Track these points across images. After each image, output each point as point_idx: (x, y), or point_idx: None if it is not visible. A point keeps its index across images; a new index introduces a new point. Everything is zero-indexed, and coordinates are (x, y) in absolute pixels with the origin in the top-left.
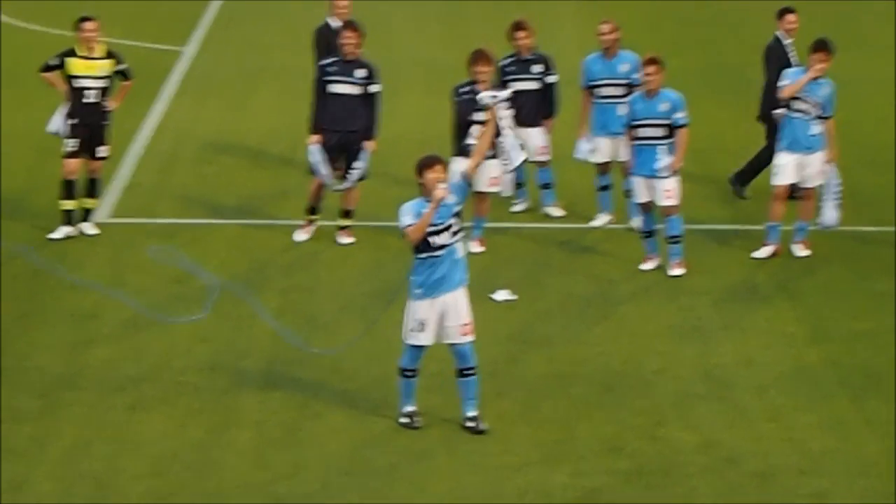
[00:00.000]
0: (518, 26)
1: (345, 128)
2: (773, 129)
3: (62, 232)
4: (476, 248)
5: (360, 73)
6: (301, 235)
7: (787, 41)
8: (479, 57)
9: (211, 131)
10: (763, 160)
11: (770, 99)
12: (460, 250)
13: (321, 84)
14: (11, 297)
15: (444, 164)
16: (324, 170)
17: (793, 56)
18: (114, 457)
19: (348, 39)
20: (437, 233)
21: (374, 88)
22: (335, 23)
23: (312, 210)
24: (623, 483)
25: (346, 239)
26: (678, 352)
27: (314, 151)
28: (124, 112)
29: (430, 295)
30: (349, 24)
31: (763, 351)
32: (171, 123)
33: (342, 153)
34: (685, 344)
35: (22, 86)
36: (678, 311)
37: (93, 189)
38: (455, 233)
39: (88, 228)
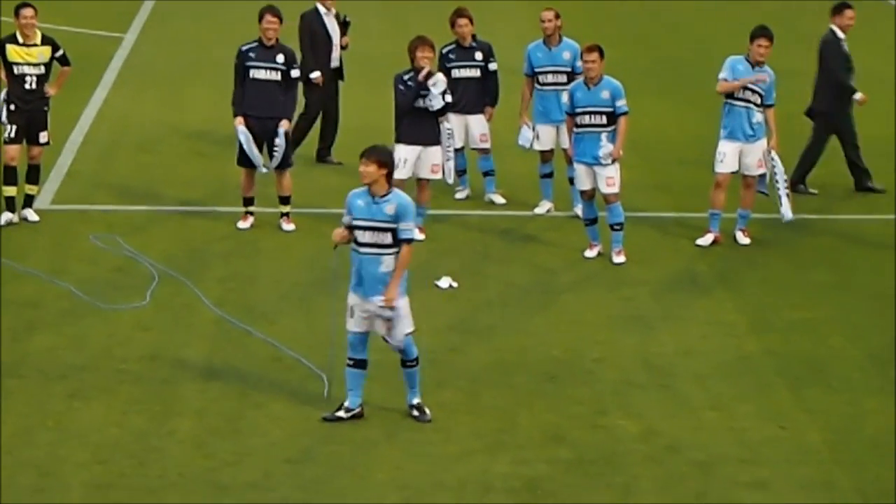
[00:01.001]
0: (459, 13)
1: (266, 114)
2: (824, 125)
3: (4, 218)
4: (418, 235)
5: (280, 58)
6: (243, 224)
7: (842, 36)
8: (420, 42)
9: (150, 120)
10: (815, 154)
11: (825, 94)
12: (384, 266)
13: (243, 70)
14: None
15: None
16: (255, 150)
17: (846, 51)
18: (55, 445)
19: (270, 24)
20: (362, 228)
21: (294, 73)
22: (324, 11)
23: (248, 201)
24: (564, 472)
25: (288, 226)
26: (619, 341)
27: (242, 132)
28: (65, 99)
29: (355, 290)
30: (271, 9)
31: (703, 340)
32: (110, 112)
33: (264, 139)
34: (626, 333)
35: None
36: (619, 301)
37: (33, 175)
38: (380, 245)
39: (30, 215)
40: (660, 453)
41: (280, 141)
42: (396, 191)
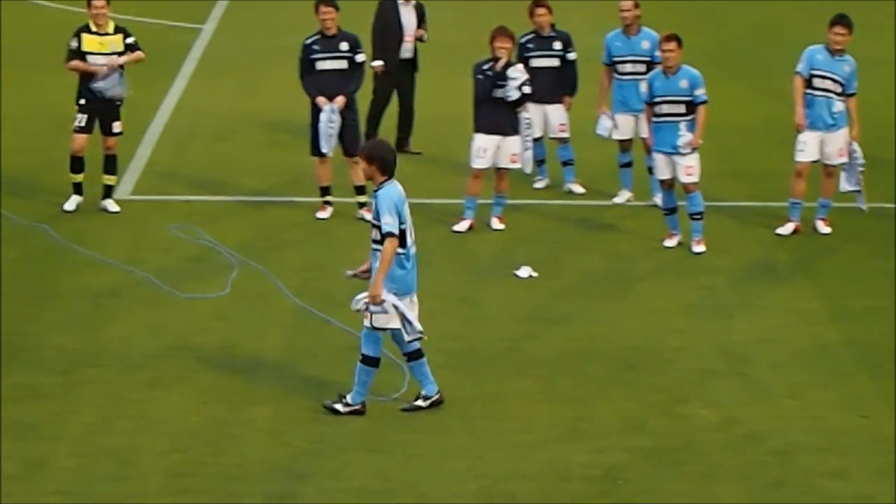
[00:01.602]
0: (537, 3)
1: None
2: None
3: (74, 202)
4: (497, 225)
5: (344, 46)
6: (322, 214)
7: None
8: (499, 32)
9: (227, 110)
10: None
11: None
12: (376, 261)
13: (308, 63)
14: (31, 275)
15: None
16: (333, 131)
17: None
18: (134, 434)
19: (326, 15)
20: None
21: (359, 58)
22: (401, 1)
23: (325, 191)
24: (643, 461)
25: (368, 216)
26: (697, 329)
27: (328, 109)
28: (143, 90)
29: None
30: (326, 0)
31: (782, 329)
32: (188, 102)
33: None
34: (704, 321)
35: (41, 65)
36: (697, 289)
37: (110, 166)
38: (374, 241)
39: (110, 205)
40: (738, 442)
41: (335, 117)
42: (388, 184)
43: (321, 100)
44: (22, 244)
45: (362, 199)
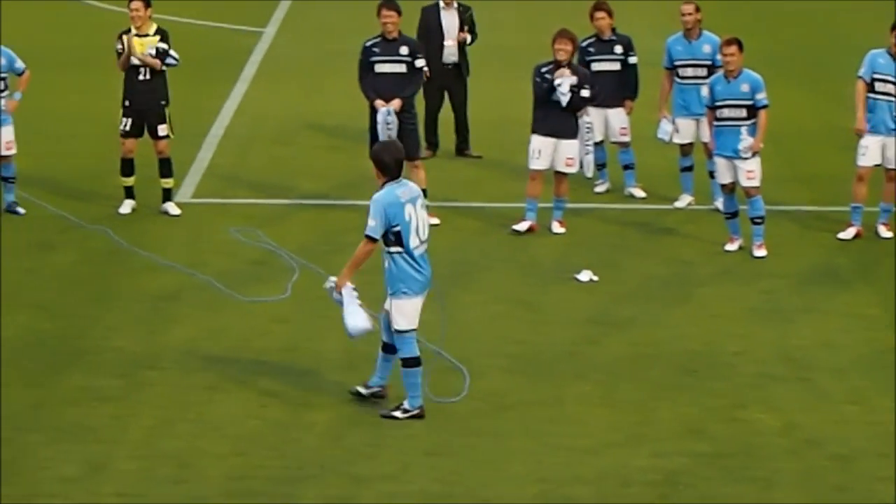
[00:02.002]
0: (597, 6)
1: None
2: None
3: (128, 206)
4: (557, 229)
5: (404, 50)
6: None
7: None
8: (559, 35)
9: (288, 113)
10: None
11: None
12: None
13: (367, 65)
14: (92, 278)
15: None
16: (390, 132)
17: None
18: (195, 437)
19: (388, 18)
20: None
21: (419, 63)
22: (442, 5)
23: None
24: (703, 465)
25: (431, 220)
26: (758, 334)
27: (384, 111)
28: (204, 94)
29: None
30: (387, 3)
31: (843, 334)
32: (249, 105)
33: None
34: (765, 326)
35: (99, 68)
36: (758, 294)
37: (165, 169)
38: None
39: (171, 209)
40: (799, 447)
41: (392, 118)
42: (387, 186)
43: (378, 102)
44: (83, 247)
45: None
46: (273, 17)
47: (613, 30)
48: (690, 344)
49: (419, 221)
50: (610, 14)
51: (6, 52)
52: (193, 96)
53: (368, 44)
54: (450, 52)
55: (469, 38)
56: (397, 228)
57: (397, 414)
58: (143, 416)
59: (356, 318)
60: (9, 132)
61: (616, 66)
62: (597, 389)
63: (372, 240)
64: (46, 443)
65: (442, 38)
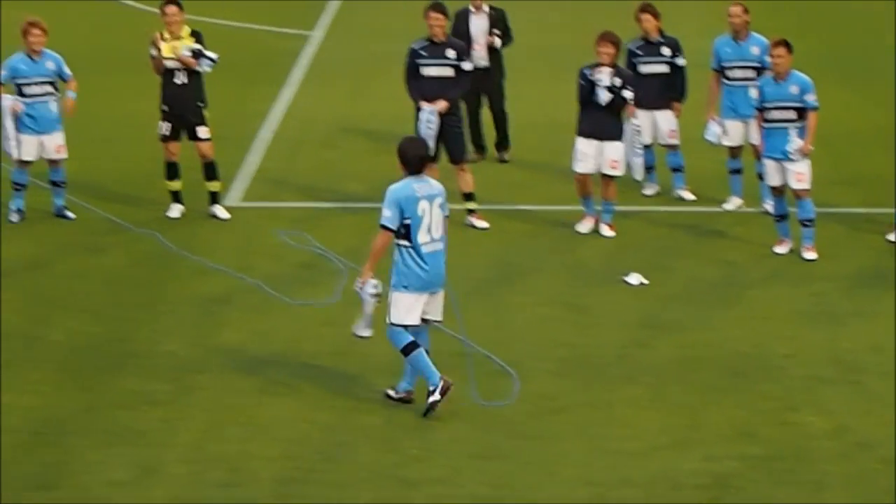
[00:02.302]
0: (643, 9)
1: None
2: None
3: (176, 210)
4: (607, 232)
5: (451, 53)
6: None
7: None
8: (602, 38)
9: (336, 116)
10: None
11: None
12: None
13: (414, 67)
14: (141, 282)
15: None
16: (430, 132)
17: None
18: (245, 440)
19: (435, 21)
20: None
21: (466, 66)
22: (472, 10)
23: None
24: (754, 469)
25: (480, 223)
26: (808, 337)
27: (428, 110)
28: (252, 97)
29: None
30: (435, 6)
31: (893, 336)
32: (297, 109)
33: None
34: (815, 329)
35: (148, 70)
36: (808, 296)
37: (210, 172)
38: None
39: (219, 212)
40: (850, 450)
41: (433, 119)
42: (403, 180)
43: (423, 103)
44: (132, 251)
45: (471, 205)
46: (320, 20)
47: (661, 32)
48: (740, 346)
49: (432, 219)
50: (656, 16)
51: (55, 56)
52: (242, 100)
53: (415, 47)
54: (479, 57)
55: (499, 42)
56: (407, 222)
57: (432, 399)
58: (193, 420)
59: (361, 323)
60: (59, 136)
61: (664, 69)
62: (646, 392)
63: (387, 229)
64: (96, 446)
65: (470, 42)
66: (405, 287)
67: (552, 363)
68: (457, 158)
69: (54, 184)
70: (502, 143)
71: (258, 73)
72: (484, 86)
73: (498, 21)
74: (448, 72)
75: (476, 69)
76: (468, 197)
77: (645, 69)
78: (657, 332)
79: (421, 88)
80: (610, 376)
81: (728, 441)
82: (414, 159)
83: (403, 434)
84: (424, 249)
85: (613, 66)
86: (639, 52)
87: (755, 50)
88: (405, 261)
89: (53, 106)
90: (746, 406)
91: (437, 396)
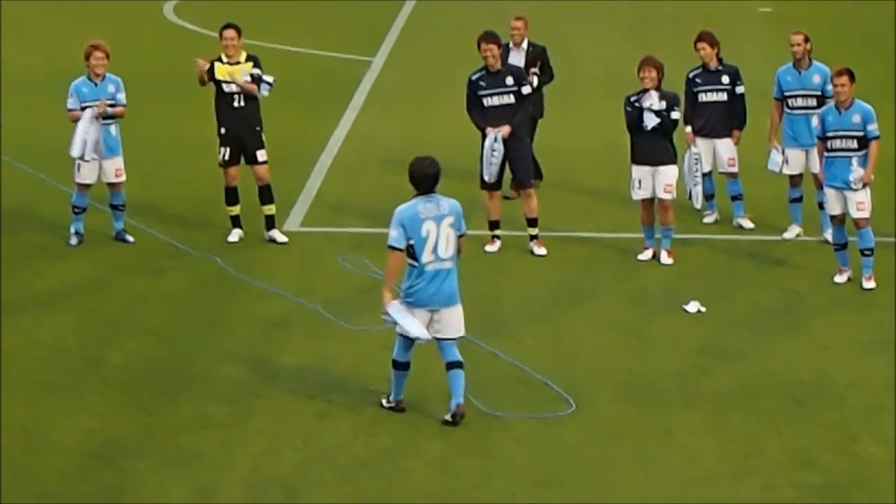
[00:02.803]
0: (699, 37)
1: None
2: None
3: (236, 235)
4: (666, 259)
5: (509, 80)
6: (490, 248)
7: None
8: (643, 63)
9: (397, 141)
10: None
11: None
12: None
13: (475, 98)
14: (201, 305)
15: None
16: (495, 159)
17: None
18: (303, 464)
19: (488, 51)
20: None
21: (525, 90)
22: (511, 45)
23: (494, 224)
24: (814, 498)
25: (539, 250)
26: (869, 365)
27: (494, 138)
28: (313, 122)
29: None
30: (486, 36)
31: None
32: (358, 133)
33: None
34: (876, 358)
35: (210, 94)
36: (868, 325)
37: (265, 196)
38: None
39: (277, 236)
40: None
41: (498, 145)
42: (411, 200)
43: (489, 129)
44: (192, 274)
45: (533, 231)
46: (382, 47)
47: (720, 60)
48: (800, 375)
49: (439, 239)
50: (713, 44)
51: (115, 79)
52: (303, 124)
53: (474, 77)
54: None
55: (536, 80)
56: (411, 242)
57: (383, 402)
58: (252, 443)
59: (414, 326)
60: (118, 160)
61: (723, 97)
62: (706, 420)
63: (395, 249)
64: (156, 469)
65: None
66: (408, 301)
67: (611, 389)
68: (522, 182)
69: (114, 207)
70: (538, 177)
71: (320, 98)
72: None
73: (537, 58)
74: (509, 99)
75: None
76: (531, 223)
77: (704, 97)
78: (717, 360)
79: (485, 118)
80: (669, 403)
81: (787, 469)
82: (422, 178)
83: (462, 459)
84: (428, 268)
85: (657, 89)
86: (698, 80)
87: (817, 79)
88: (412, 277)
89: (113, 129)
90: (806, 434)
91: (386, 404)
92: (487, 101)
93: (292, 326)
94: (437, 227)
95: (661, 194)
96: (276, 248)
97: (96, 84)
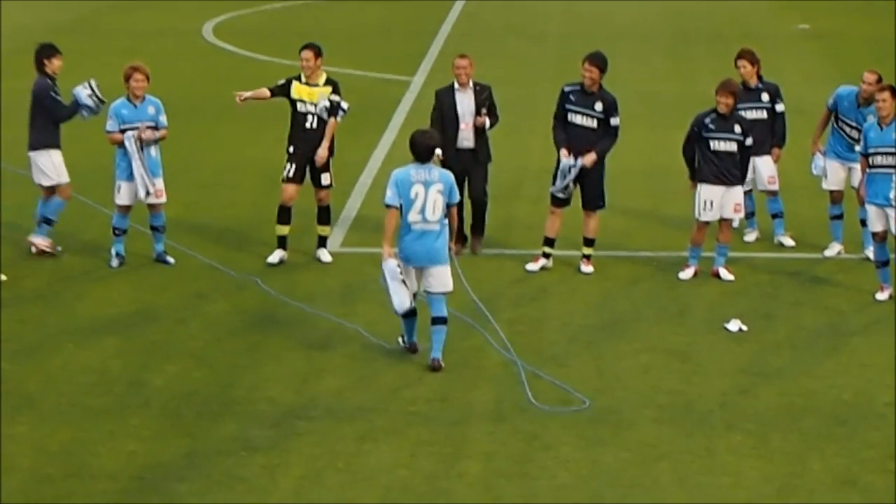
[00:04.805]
0: (739, 55)
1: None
2: None
3: (277, 256)
4: (727, 275)
5: (598, 106)
6: (531, 266)
7: None
8: (720, 87)
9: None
10: None
11: None
12: None
13: (563, 110)
14: (243, 327)
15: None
16: (568, 180)
17: None
18: (345, 487)
19: (588, 72)
20: None
21: (614, 121)
22: (457, 87)
23: (548, 242)
24: None
25: (586, 268)
26: None
27: (567, 162)
28: (353, 143)
29: None
30: (591, 57)
31: None
32: (398, 154)
33: (576, 180)
34: None
35: (252, 118)
36: None
37: (323, 217)
38: None
39: (323, 255)
40: None
41: (571, 175)
42: (409, 164)
43: (563, 152)
44: (234, 297)
45: (587, 251)
46: (421, 67)
47: (760, 77)
48: (843, 394)
49: (426, 202)
50: (752, 62)
51: (156, 101)
52: (342, 145)
53: (567, 89)
54: (464, 137)
55: (488, 123)
56: (401, 202)
57: (399, 339)
58: (294, 466)
59: (397, 296)
60: (159, 181)
61: (763, 115)
62: (748, 440)
63: (390, 207)
64: (198, 492)
65: (457, 122)
66: (402, 258)
67: (654, 410)
68: (590, 205)
69: (154, 229)
70: (478, 230)
71: (360, 120)
72: (467, 168)
73: (485, 99)
74: (592, 123)
75: (459, 150)
76: (587, 242)
77: (744, 115)
78: (759, 380)
79: (565, 135)
80: (712, 424)
81: (831, 490)
82: (421, 148)
83: (505, 482)
84: (415, 228)
85: (732, 114)
86: (739, 98)
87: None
88: (401, 234)
89: (153, 151)
90: (849, 454)
91: (401, 342)
92: (571, 118)
93: (333, 348)
94: (426, 191)
95: (730, 214)
96: (316, 269)
97: (136, 106)
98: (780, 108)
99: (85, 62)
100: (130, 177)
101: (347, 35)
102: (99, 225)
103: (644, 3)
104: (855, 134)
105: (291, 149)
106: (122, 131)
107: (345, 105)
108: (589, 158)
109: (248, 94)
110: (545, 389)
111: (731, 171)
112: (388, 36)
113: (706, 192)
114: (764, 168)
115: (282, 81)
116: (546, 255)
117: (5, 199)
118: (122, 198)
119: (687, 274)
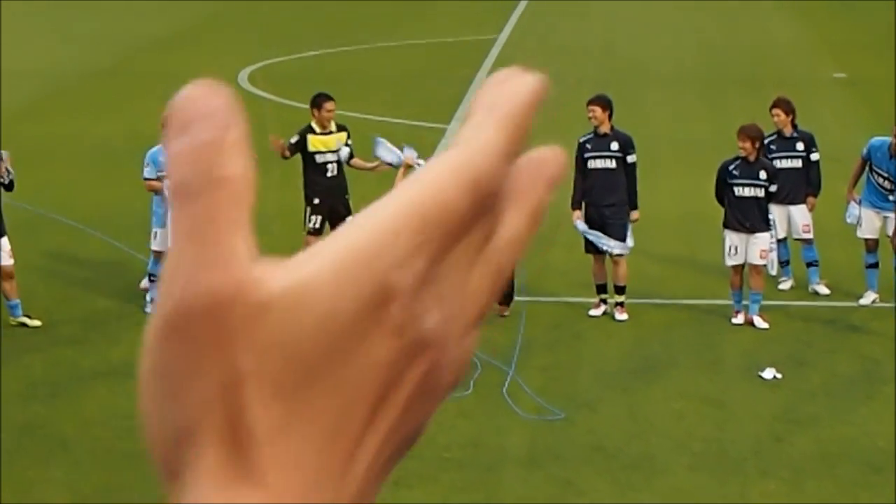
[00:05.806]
0: (774, 104)
1: (603, 202)
2: None
3: None
4: (761, 323)
5: (614, 146)
6: (594, 311)
7: None
8: (739, 131)
9: None
10: None
11: None
12: None
13: (582, 161)
14: None
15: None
16: (595, 235)
17: None
18: None
19: (592, 112)
20: None
21: (630, 158)
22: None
23: (600, 289)
24: None
25: (620, 315)
26: None
27: (580, 226)
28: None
29: None
30: (595, 99)
31: None
32: None
33: (601, 225)
34: None
35: (281, 164)
36: None
37: None
38: None
39: None
40: None
41: (588, 235)
42: None
43: (576, 214)
44: None
45: (619, 298)
46: (457, 114)
47: (795, 126)
48: (878, 442)
49: None
50: (787, 112)
51: None
52: (379, 193)
53: (582, 140)
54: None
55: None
56: None
57: None
58: None
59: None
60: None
61: (798, 163)
62: (782, 487)
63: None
64: None
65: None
66: None
67: (687, 457)
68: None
69: (152, 277)
70: (507, 298)
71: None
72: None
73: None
74: (611, 164)
75: None
76: (619, 290)
77: (779, 164)
78: (794, 427)
79: (586, 184)
80: (745, 471)
81: None
82: None
83: None
84: None
85: (757, 159)
86: (773, 146)
87: None
88: None
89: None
90: (883, 502)
91: None
92: (591, 164)
93: None
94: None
95: (756, 259)
96: None
97: None
98: (814, 156)
99: (124, 106)
100: (167, 224)
101: (383, 81)
102: (133, 270)
103: (678, 43)
104: (887, 185)
105: (316, 201)
106: (160, 178)
107: (351, 147)
108: (632, 214)
109: (277, 145)
110: (579, 435)
111: (755, 217)
112: (423, 82)
113: (731, 238)
114: (799, 216)
115: (295, 139)
116: (603, 301)
117: (41, 244)
118: (158, 244)
119: (739, 319)
